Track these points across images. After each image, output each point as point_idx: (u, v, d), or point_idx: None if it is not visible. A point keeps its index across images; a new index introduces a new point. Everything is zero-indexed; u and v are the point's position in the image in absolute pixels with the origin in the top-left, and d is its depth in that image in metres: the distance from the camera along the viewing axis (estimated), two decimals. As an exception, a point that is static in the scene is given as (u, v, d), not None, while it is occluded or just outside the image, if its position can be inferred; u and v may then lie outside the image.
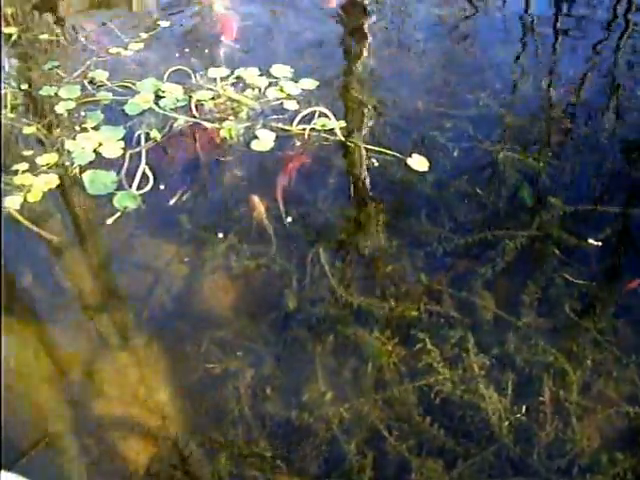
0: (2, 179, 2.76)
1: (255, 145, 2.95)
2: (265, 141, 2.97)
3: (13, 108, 3.13)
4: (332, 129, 3.00)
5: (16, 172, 2.79)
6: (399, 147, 2.91)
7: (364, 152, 2.91)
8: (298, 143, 2.98)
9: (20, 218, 2.63)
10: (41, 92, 3.26)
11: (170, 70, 3.35)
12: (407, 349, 2.21)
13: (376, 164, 2.86)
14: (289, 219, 2.62)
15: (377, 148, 2.90)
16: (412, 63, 3.53)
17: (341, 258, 2.50)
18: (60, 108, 3.15)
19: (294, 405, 2.10)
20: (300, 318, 2.32)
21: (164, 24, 3.84)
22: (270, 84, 3.30)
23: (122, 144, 2.95)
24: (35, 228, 2.60)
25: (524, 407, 2.06)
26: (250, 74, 3.36)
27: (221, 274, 2.46)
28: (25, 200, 2.69)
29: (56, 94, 3.24)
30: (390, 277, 2.43)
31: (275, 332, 2.28)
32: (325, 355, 2.21)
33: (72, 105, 3.17)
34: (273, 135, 2.99)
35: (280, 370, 2.19)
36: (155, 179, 2.79)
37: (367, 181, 2.80)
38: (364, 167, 2.86)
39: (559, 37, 3.79)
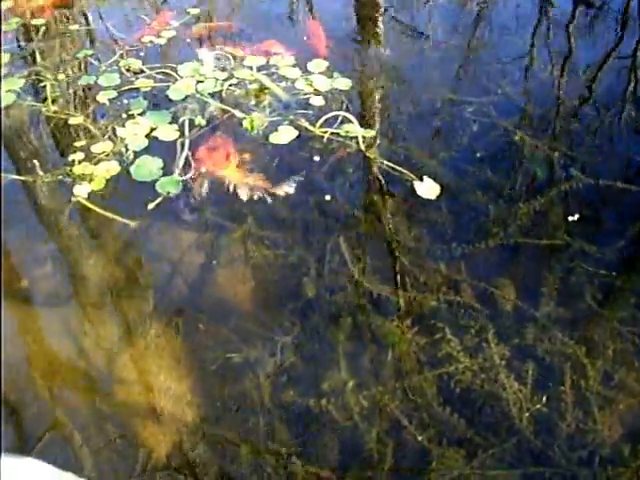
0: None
1: (273, 138, 2.80)
2: (285, 137, 2.81)
3: (54, 100, 3.04)
4: (355, 137, 2.79)
5: (73, 162, 2.72)
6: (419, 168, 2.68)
7: (382, 168, 2.68)
8: (318, 146, 2.80)
9: (92, 206, 2.56)
10: (80, 82, 3.15)
11: (211, 55, 3.22)
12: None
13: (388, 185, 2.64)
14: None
15: (397, 167, 2.65)
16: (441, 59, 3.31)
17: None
18: (102, 97, 3.05)
19: (313, 393, 2.00)
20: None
21: (194, 11, 3.71)
22: (302, 77, 3.12)
23: (175, 127, 2.86)
24: (110, 214, 2.54)
25: (544, 397, 1.96)
26: (285, 64, 3.20)
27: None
28: (91, 189, 2.63)
29: (95, 82, 3.14)
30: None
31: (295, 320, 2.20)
32: (345, 343, 2.13)
33: (114, 94, 3.06)
34: (295, 133, 2.82)
35: (300, 358, 2.09)
36: (199, 165, 2.69)
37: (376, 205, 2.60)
38: (378, 186, 2.65)
39: (578, 20, 3.55)
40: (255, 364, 2.08)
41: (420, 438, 1.90)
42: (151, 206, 2.55)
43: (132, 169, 2.69)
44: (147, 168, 2.71)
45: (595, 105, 2.95)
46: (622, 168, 2.63)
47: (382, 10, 3.66)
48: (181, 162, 2.72)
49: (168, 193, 2.61)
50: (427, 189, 2.56)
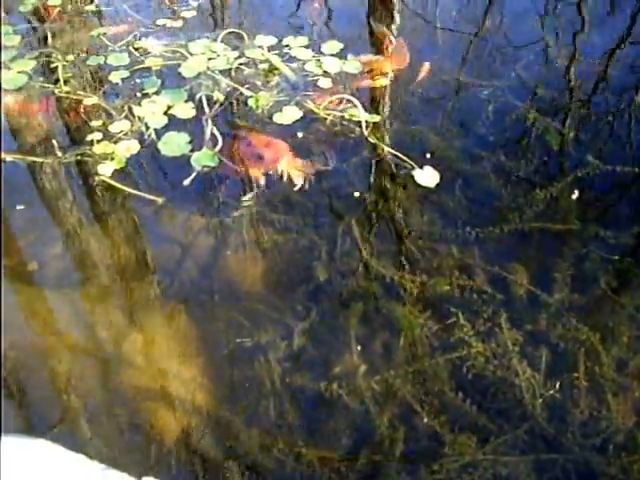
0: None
1: (277, 118, 2.77)
2: (288, 117, 2.78)
3: (66, 81, 2.98)
4: (359, 122, 2.72)
5: (92, 142, 2.68)
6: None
7: (382, 154, 2.62)
8: (322, 128, 2.75)
9: (116, 184, 2.53)
10: (89, 62, 3.10)
11: (223, 33, 3.19)
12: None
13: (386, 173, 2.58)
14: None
15: (399, 153, 2.58)
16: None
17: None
18: (114, 77, 3.00)
19: (325, 378, 1.96)
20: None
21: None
22: (314, 58, 3.07)
23: (191, 105, 2.83)
24: (136, 191, 2.51)
25: (558, 383, 1.91)
26: (297, 44, 3.16)
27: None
28: (114, 167, 2.60)
29: (105, 62, 3.09)
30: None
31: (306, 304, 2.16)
32: (357, 328, 2.08)
33: (126, 73, 3.01)
34: (300, 113, 2.78)
35: (311, 343, 2.05)
36: (224, 139, 2.67)
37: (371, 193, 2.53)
38: (375, 173, 2.60)
39: (591, 5, 3.44)
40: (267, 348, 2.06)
41: (432, 423, 1.86)
42: (187, 182, 2.53)
43: (160, 145, 2.66)
44: (175, 143, 2.68)
45: (610, 90, 2.87)
46: (638, 154, 2.57)
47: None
48: (207, 137, 2.69)
49: (204, 167, 2.58)
50: (426, 177, 2.49)
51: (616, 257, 2.18)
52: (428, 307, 2.10)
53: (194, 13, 3.45)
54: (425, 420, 1.86)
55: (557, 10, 3.43)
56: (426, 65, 2.99)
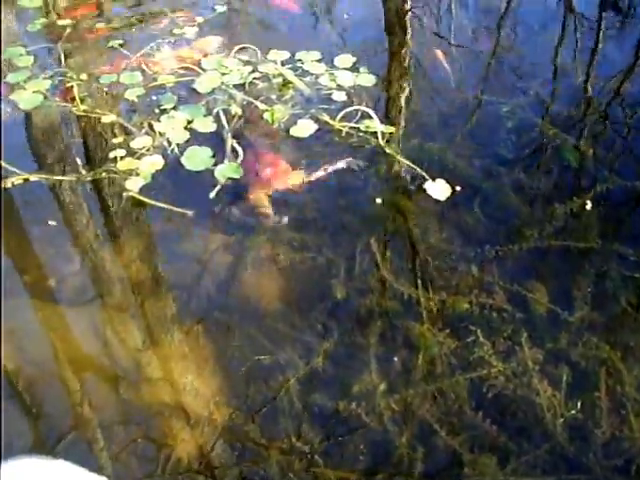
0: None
1: (293, 131, 2.79)
2: (305, 130, 2.80)
3: (82, 99, 2.99)
4: (375, 132, 2.73)
5: (115, 159, 2.69)
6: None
7: (398, 165, 2.62)
8: (337, 139, 2.77)
9: (145, 199, 2.55)
10: (101, 80, 3.10)
11: (235, 48, 3.19)
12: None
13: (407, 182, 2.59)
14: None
15: (413, 165, 2.57)
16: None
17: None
18: (130, 95, 3.01)
19: (343, 397, 1.94)
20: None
21: (220, 9, 3.63)
22: (327, 72, 3.07)
23: (211, 119, 2.84)
24: (166, 205, 2.52)
25: (579, 403, 1.89)
26: (310, 58, 3.16)
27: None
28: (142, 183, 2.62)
29: (117, 81, 3.10)
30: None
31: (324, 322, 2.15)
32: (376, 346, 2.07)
33: (141, 91, 3.02)
34: (315, 126, 2.79)
35: (330, 361, 2.04)
36: (245, 152, 2.69)
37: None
38: (390, 184, 2.62)
39: (606, 23, 3.41)
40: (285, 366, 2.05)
41: (451, 443, 1.85)
42: (212, 194, 2.55)
43: (184, 160, 2.68)
44: (199, 158, 2.70)
45: (628, 106, 2.85)
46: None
47: (409, 10, 3.59)
48: (228, 150, 2.71)
49: (228, 179, 2.61)
50: (438, 189, 2.48)
51: (637, 275, 2.17)
52: (447, 325, 2.10)
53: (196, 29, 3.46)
54: (445, 439, 1.85)
55: (574, 27, 3.42)
56: (439, 52, 3.14)
